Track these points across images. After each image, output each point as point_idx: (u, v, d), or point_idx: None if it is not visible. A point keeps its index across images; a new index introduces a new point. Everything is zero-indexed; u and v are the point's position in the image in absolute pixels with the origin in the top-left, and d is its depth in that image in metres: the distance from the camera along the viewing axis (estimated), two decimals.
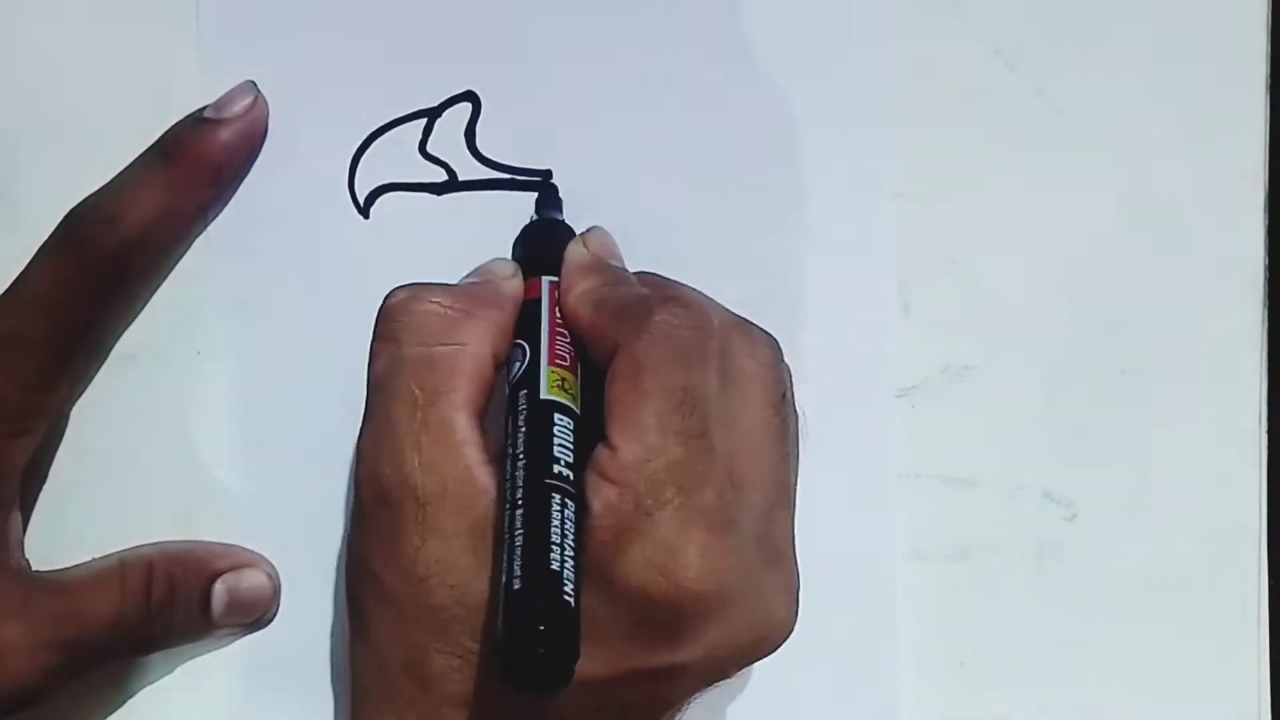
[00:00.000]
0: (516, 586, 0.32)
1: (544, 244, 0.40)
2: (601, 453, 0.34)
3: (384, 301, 0.37)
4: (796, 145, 0.43)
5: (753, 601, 0.35)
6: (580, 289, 0.38)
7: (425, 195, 0.43)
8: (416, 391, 0.36)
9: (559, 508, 0.33)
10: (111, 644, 0.40)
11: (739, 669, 0.37)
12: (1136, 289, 0.44)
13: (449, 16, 0.42)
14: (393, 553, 0.35)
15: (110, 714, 0.43)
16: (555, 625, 0.32)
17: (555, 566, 0.32)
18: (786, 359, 0.38)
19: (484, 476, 0.35)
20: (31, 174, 0.42)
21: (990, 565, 0.44)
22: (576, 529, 0.33)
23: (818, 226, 0.43)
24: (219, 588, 0.41)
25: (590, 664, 0.33)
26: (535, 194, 0.42)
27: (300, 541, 0.43)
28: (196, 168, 0.41)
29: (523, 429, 0.35)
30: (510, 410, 0.36)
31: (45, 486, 0.42)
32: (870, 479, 0.43)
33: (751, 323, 0.38)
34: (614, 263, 0.40)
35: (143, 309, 0.42)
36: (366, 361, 0.37)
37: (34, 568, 0.41)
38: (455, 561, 0.35)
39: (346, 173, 0.42)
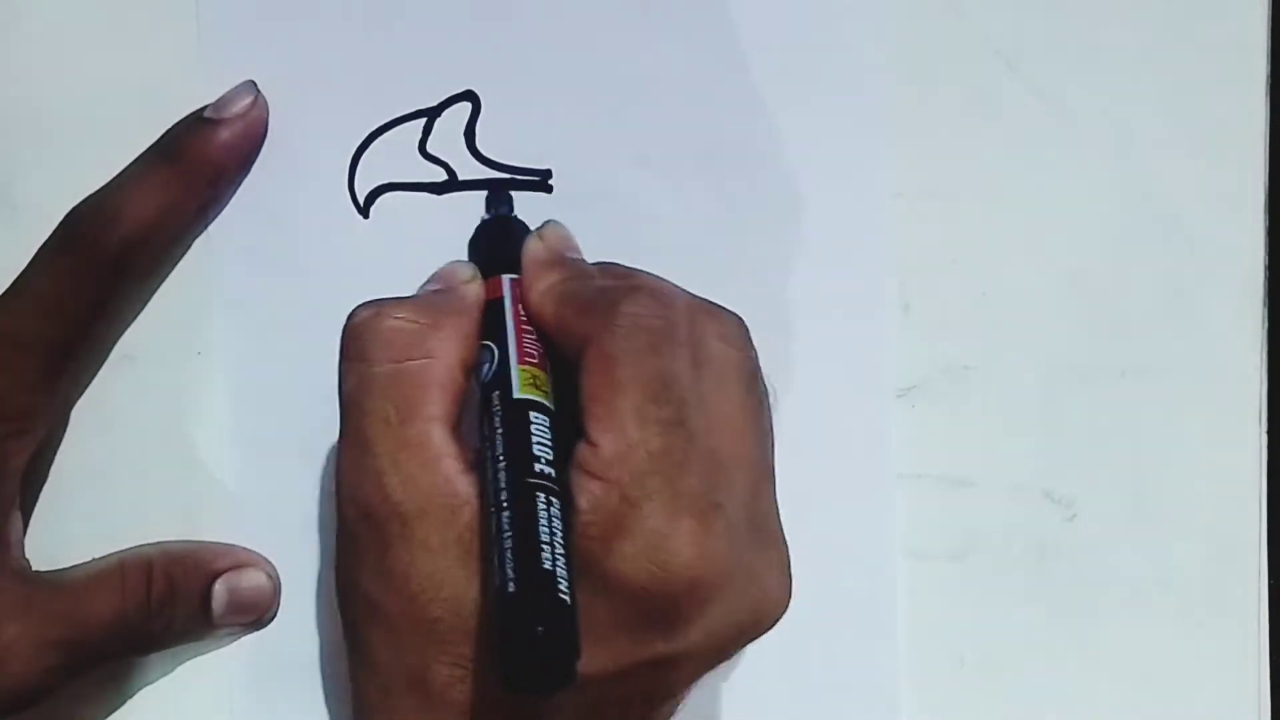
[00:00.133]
0: (511, 589, 0.32)
1: (500, 242, 0.40)
2: (583, 449, 0.34)
3: (348, 321, 0.37)
4: (796, 145, 0.43)
5: (746, 582, 0.35)
6: (542, 285, 0.38)
7: (425, 195, 0.43)
8: (389, 409, 0.36)
9: (545, 506, 0.33)
10: (111, 644, 0.40)
11: (737, 650, 0.36)
12: (1136, 289, 0.44)
13: (449, 16, 0.42)
14: (382, 572, 0.35)
15: (110, 714, 0.43)
16: (554, 625, 0.32)
17: (548, 566, 0.32)
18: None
19: (465, 486, 0.35)
20: (31, 174, 0.42)
21: (990, 565, 0.44)
22: (565, 527, 0.33)
23: (818, 226, 0.43)
24: (219, 587, 0.41)
25: (591, 660, 0.33)
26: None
27: (300, 541, 0.43)
28: (196, 168, 0.41)
29: (500, 431, 0.35)
30: (485, 413, 0.36)
31: (45, 486, 0.42)
32: (870, 479, 0.43)
33: (717, 304, 0.38)
34: (573, 255, 0.40)
35: (143, 309, 0.42)
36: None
37: (34, 568, 0.41)
38: (446, 574, 0.35)
39: (346, 173, 0.42)
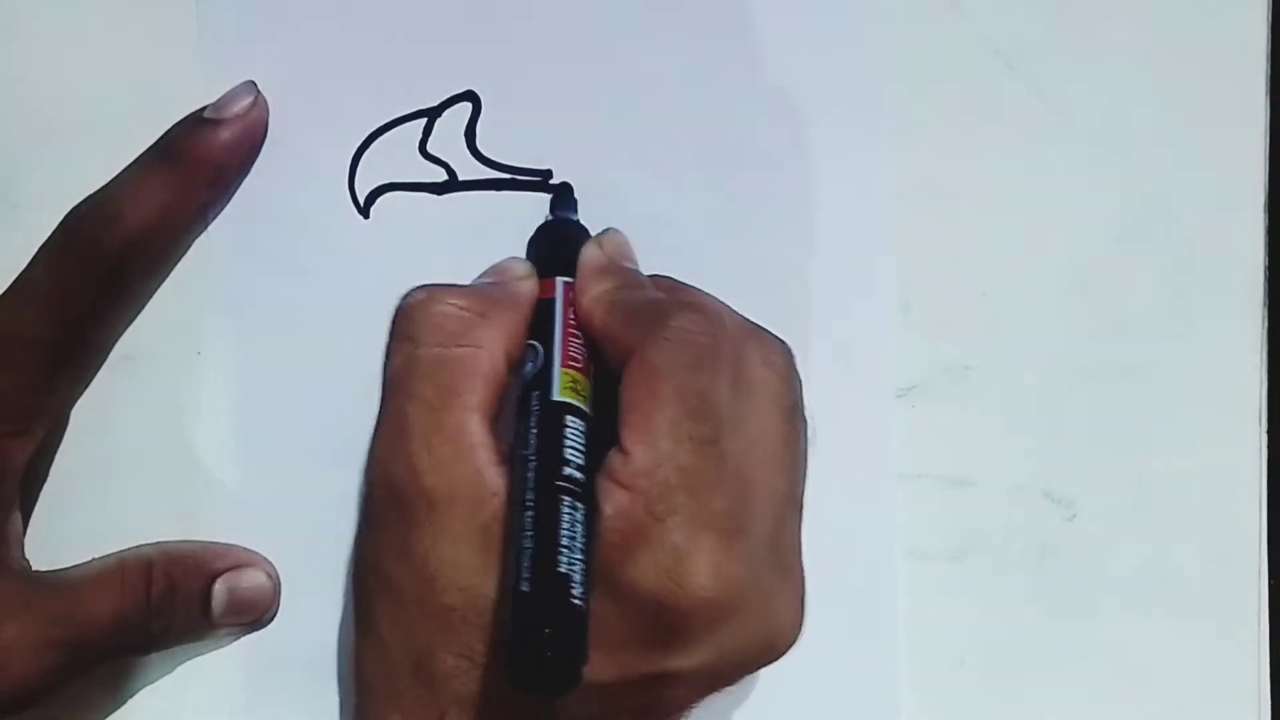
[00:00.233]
0: (524, 588, 0.32)
1: (559, 244, 0.40)
2: (614, 457, 0.34)
3: (401, 301, 0.37)
4: (797, 145, 0.43)
5: (760, 609, 0.35)
6: (595, 291, 0.38)
7: (425, 195, 0.43)
8: (431, 393, 0.36)
9: (569, 510, 0.33)
10: (111, 644, 0.40)
11: (744, 676, 0.37)
12: (1136, 289, 0.44)
13: (449, 16, 0.42)
14: (403, 552, 0.35)
15: (110, 714, 0.43)
16: (563, 628, 0.32)
17: (564, 569, 0.32)
18: None
19: (495, 478, 0.35)
20: (31, 174, 0.42)
21: (990, 565, 0.44)
22: (587, 532, 0.33)
23: (818, 226, 0.43)
24: (219, 588, 0.41)
25: (597, 667, 0.33)
26: (549, 195, 0.42)
27: (300, 541, 0.42)
28: (196, 168, 0.41)
29: (534, 430, 0.35)
30: (522, 411, 0.36)
31: (45, 486, 0.42)
32: (870, 479, 0.43)
33: (765, 329, 0.38)
34: (629, 265, 0.40)
35: (143, 309, 0.42)
36: (381, 361, 0.37)
37: (34, 568, 0.41)
38: (465, 562, 0.35)
39: (346, 173, 0.42)
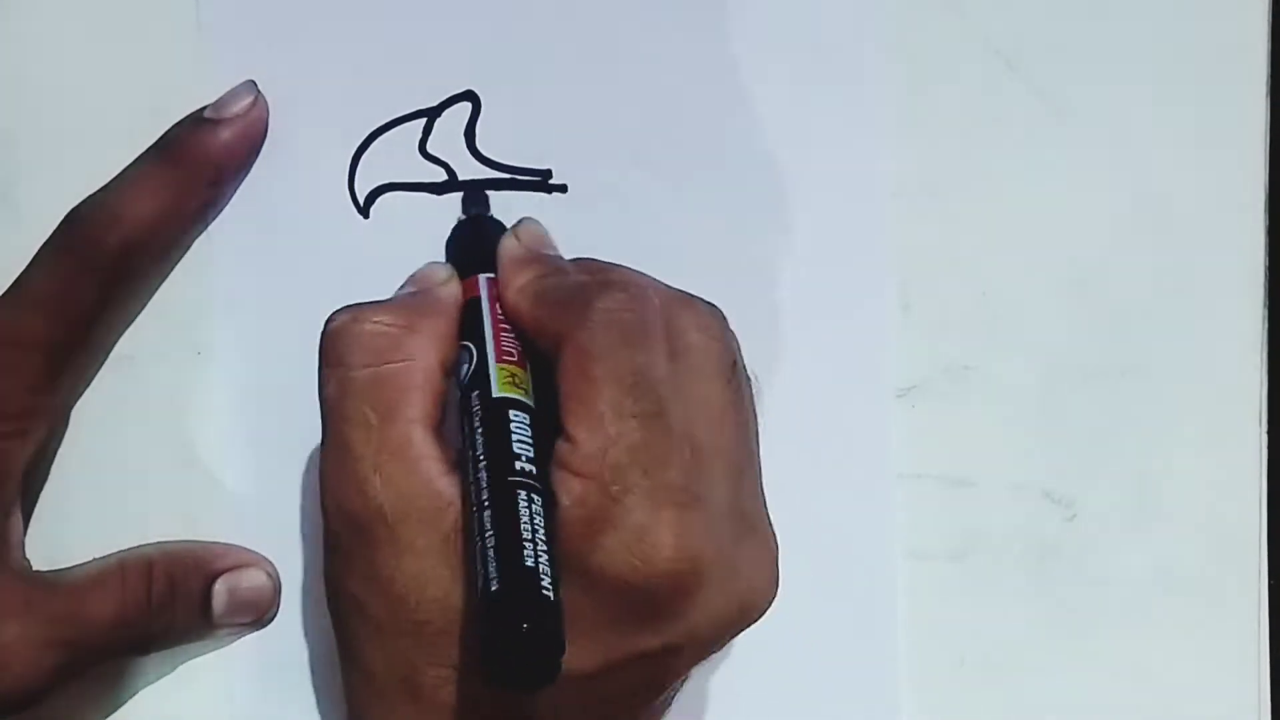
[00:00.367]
0: (494, 587, 0.32)
1: (476, 242, 0.40)
2: (562, 446, 0.34)
3: (325, 327, 0.37)
4: (796, 145, 0.43)
5: (730, 573, 0.35)
6: (518, 283, 0.38)
7: (425, 195, 0.43)
8: (369, 413, 0.35)
9: (526, 504, 0.33)
10: (111, 644, 0.40)
11: (727, 641, 0.36)
12: (1136, 289, 0.44)
13: (449, 16, 0.42)
14: (370, 575, 0.35)
15: (110, 714, 0.43)
16: (537, 622, 0.31)
17: (530, 563, 0.32)
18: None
19: (448, 487, 0.35)
20: (31, 174, 0.42)
21: (990, 565, 0.44)
22: (547, 524, 0.33)
23: (818, 226, 0.43)
24: (219, 588, 0.41)
25: (579, 656, 0.33)
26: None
27: (300, 541, 0.42)
28: (196, 168, 0.41)
29: (480, 430, 0.35)
30: (465, 413, 0.36)
31: (45, 486, 0.42)
32: (870, 479, 0.43)
33: (693, 295, 0.38)
34: (549, 252, 0.40)
35: (143, 309, 0.42)
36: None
37: (34, 568, 0.41)
38: (432, 575, 0.35)
39: (346, 173, 0.42)
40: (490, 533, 0.33)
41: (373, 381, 0.36)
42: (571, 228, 0.42)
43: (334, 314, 0.37)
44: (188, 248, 0.42)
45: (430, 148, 0.43)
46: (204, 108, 0.41)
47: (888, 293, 0.43)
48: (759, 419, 0.38)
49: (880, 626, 0.43)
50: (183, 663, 0.43)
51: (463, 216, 0.42)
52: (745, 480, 0.37)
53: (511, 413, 0.35)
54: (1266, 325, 0.44)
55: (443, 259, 0.41)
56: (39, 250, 0.40)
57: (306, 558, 0.43)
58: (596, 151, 0.43)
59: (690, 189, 0.43)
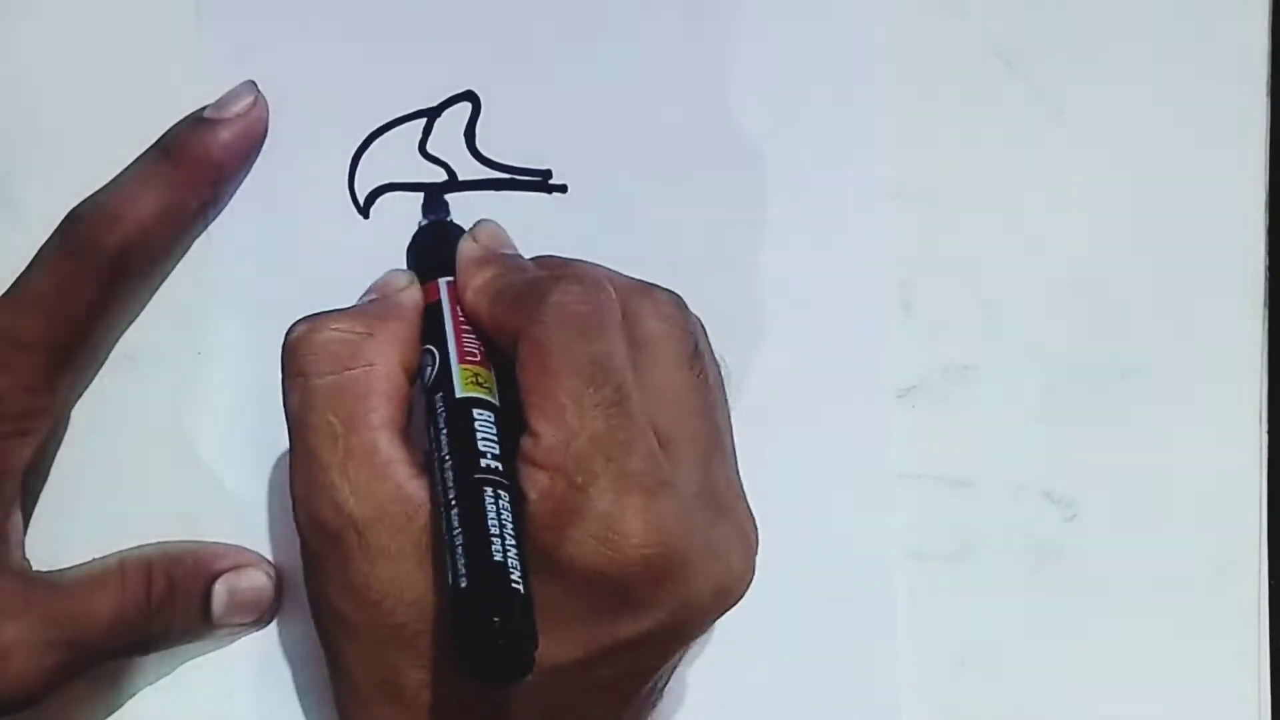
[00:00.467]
0: (463, 584, 0.32)
1: (436, 247, 0.40)
2: (525, 441, 0.34)
3: (285, 337, 0.37)
4: (796, 145, 0.43)
5: (704, 557, 0.35)
6: (476, 284, 0.38)
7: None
8: (334, 421, 0.35)
9: (493, 500, 0.33)
10: (111, 644, 0.40)
11: (705, 628, 0.36)
12: (1137, 289, 0.44)
13: (449, 16, 0.42)
14: (346, 583, 0.35)
15: (110, 714, 0.43)
16: (508, 615, 0.31)
17: (499, 558, 0.32)
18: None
19: (417, 490, 0.35)
20: (31, 174, 0.42)
21: (990, 565, 0.44)
22: (516, 519, 0.33)
23: (818, 226, 0.43)
24: (219, 588, 0.41)
25: (557, 649, 0.33)
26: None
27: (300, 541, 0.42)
28: (196, 168, 0.41)
29: (444, 430, 0.35)
30: (429, 415, 0.36)
31: (45, 486, 0.42)
32: (870, 479, 0.43)
33: (653, 284, 0.38)
34: (507, 252, 0.40)
35: (143, 309, 0.42)
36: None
37: (34, 568, 0.41)
38: (406, 579, 0.35)
39: (346, 173, 0.42)
40: (458, 530, 0.33)
41: (335, 389, 0.36)
42: (571, 228, 0.42)
43: (294, 325, 0.37)
44: (188, 248, 0.42)
45: (430, 148, 0.43)
46: (204, 108, 0.41)
47: (888, 293, 0.43)
48: (732, 403, 0.38)
49: (880, 626, 0.43)
50: (183, 663, 0.43)
51: (422, 221, 0.42)
52: (714, 463, 0.37)
53: (475, 411, 0.35)
54: (1266, 325, 0.44)
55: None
56: (39, 250, 0.40)
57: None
58: (596, 151, 0.43)
59: (689, 189, 0.43)
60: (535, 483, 0.34)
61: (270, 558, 0.43)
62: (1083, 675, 0.44)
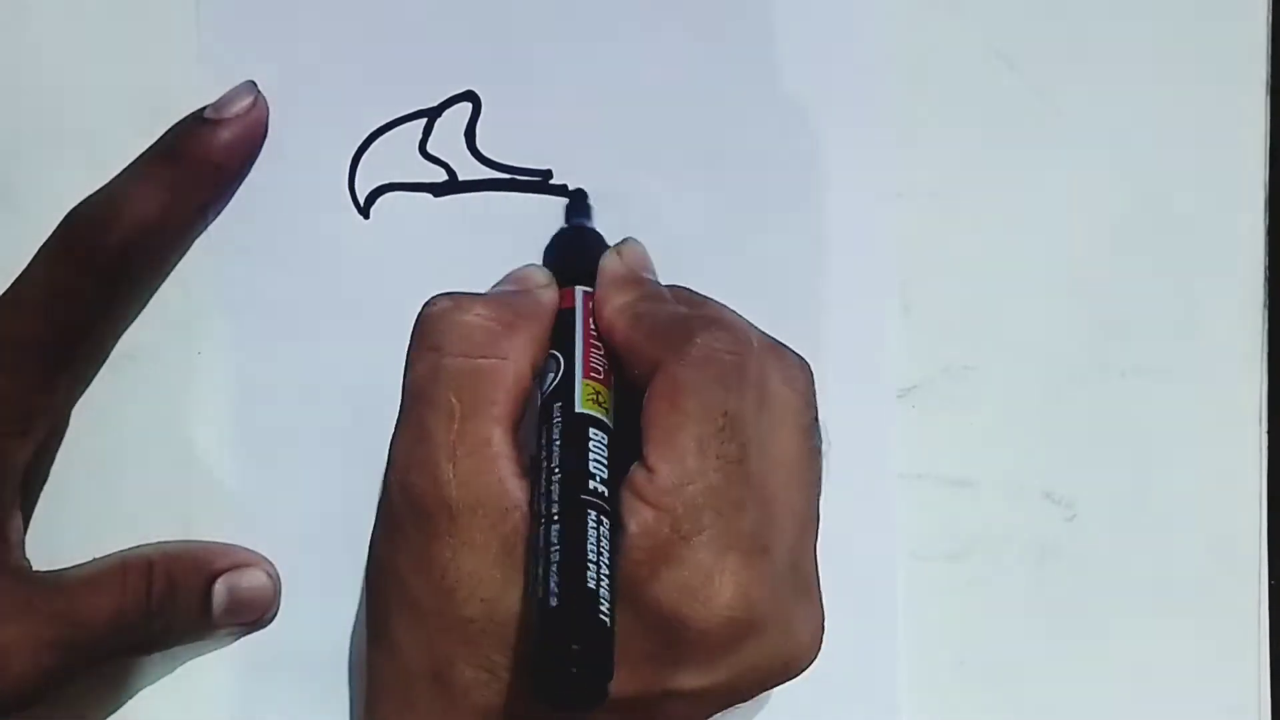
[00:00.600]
0: (553, 603, 0.32)
1: (576, 253, 0.40)
2: (638, 473, 0.34)
3: (424, 309, 0.37)
4: (797, 145, 0.43)
5: (781, 629, 0.35)
6: (617, 303, 0.38)
7: (425, 195, 0.43)
8: (455, 402, 0.35)
9: (595, 525, 0.33)
10: (111, 644, 0.40)
11: (759, 694, 0.36)
12: (1136, 289, 0.44)
13: (449, 16, 0.42)
14: (423, 562, 0.35)
15: (110, 714, 0.43)
16: (591, 644, 0.31)
17: (592, 585, 0.32)
18: None
19: (517, 490, 0.35)
20: (31, 174, 0.42)
21: (990, 565, 0.44)
22: (611, 548, 0.33)
23: (818, 226, 0.43)
24: (219, 587, 0.41)
25: (618, 683, 0.33)
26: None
27: (300, 541, 0.42)
28: (196, 168, 0.41)
29: (558, 443, 0.35)
30: (544, 423, 0.36)
31: (45, 486, 0.42)
32: (870, 479, 0.43)
33: (785, 346, 0.38)
34: (648, 276, 0.40)
35: (143, 309, 0.42)
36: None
37: (34, 568, 0.41)
38: (486, 575, 0.35)
39: (346, 173, 0.42)
40: (556, 547, 0.33)
41: (465, 372, 0.36)
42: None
43: (434, 298, 0.37)
44: (188, 248, 0.42)
45: (430, 148, 0.43)
46: (204, 108, 0.41)
47: (888, 293, 0.43)
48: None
49: (880, 627, 0.43)
50: (183, 663, 0.43)
51: (565, 224, 0.42)
52: (806, 541, 0.37)
53: (591, 430, 0.35)
54: (1266, 325, 0.44)
55: (445, 259, 0.41)
56: (39, 250, 0.40)
57: (307, 558, 0.42)
58: (596, 151, 0.43)
59: (690, 189, 0.43)
60: (639, 517, 0.34)
61: (270, 558, 0.43)
62: (1082, 675, 0.44)
